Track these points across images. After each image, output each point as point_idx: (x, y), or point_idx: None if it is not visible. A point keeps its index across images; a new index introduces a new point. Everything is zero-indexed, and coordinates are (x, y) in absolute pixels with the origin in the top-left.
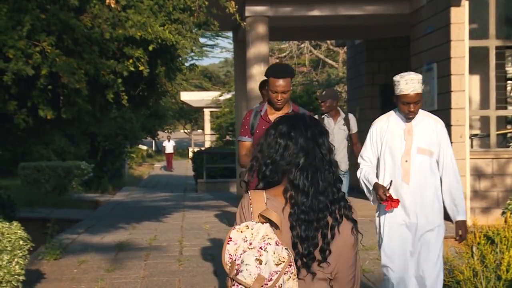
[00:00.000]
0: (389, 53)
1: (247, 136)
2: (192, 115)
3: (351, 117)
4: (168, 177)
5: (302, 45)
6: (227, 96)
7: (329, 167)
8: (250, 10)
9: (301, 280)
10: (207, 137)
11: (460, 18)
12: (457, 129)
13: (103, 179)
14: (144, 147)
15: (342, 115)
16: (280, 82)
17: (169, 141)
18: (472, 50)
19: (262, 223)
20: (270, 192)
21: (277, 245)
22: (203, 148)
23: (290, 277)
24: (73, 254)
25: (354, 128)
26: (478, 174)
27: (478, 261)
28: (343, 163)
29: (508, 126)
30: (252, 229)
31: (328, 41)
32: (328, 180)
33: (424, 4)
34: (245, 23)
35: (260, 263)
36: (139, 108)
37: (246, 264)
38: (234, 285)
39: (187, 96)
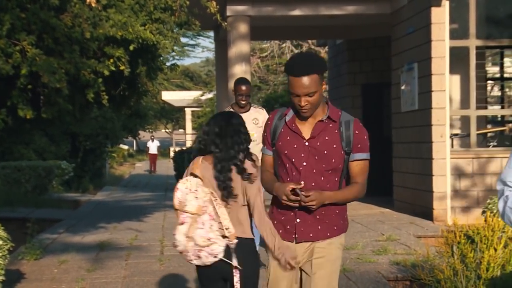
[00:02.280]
0: (370, 53)
1: (266, 147)
2: (174, 115)
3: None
4: (149, 177)
5: (284, 45)
6: (209, 95)
7: (237, 136)
8: (231, 9)
9: (231, 208)
10: (189, 137)
11: (440, 18)
12: (437, 129)
13: (84, 178)
14: (125, 147)
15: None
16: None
17: (152, 141)
18: (452, 50)
19: (194, 177)
20: (205, 158)
21: (203, 187)
22: (184, 148)
23: (219, 206)
24: (54, 254)
25: None
26: (458, 173)
27: (458, 260)
28: None
29: (488, 126)
30: (189, 181)
31: (310, 41)
32: (237, 141)
33: (405, 4)
34: (226, 23)
35: (197, 199)
36: (120, 107)
37: (190, 201)
38: (182, 214)
39: (168, 96)
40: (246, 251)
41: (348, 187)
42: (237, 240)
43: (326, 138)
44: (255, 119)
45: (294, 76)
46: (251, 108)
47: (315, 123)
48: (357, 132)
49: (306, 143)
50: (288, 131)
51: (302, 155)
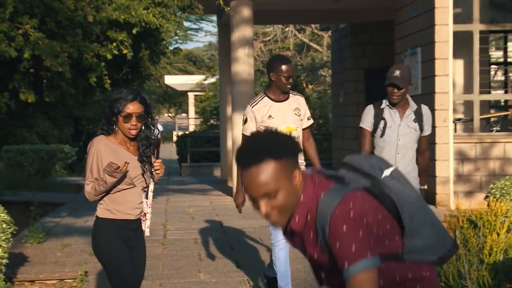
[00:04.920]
0: (374, 37)
1: None
2: (176, 99)
3: (426, 110)
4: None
5: (287, 29)
6: (212, 80)
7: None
8: None
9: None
10: (191, 121)
11: (444, 2)
12: (440, 114)
13: None
14: None
15: (413, 106)
16: None
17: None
18: (456, 34)
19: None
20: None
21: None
22: (187, 132)
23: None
24: (57, 238)
25: (428, 128)
26: (461, 158)
27: (461, 245)
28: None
29: (492, 111)
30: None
31: (313, 25)
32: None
33: None
34: (228, 8)
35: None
36: None
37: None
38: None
39: (171, 80)
40: None
41: None
42: None
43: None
44: (296, 110)
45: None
46: (290, 95)
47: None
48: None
49: None
50: None
51: None
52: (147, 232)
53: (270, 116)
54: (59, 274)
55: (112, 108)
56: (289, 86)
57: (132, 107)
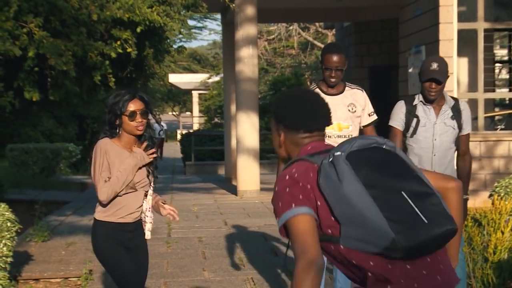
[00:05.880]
0: (378, 35)
1: None
2: (181, 98)
3: (464, 106)
4: (157, 159)
5: (291, 27)
6: (216, 78)
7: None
8: None
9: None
10: (196, 120)
11: (448, 1)
12: None
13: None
14: None
15: (450, 101)
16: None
17: (158, 123)
18: (460, 32)
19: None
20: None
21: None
22: (191, 131)
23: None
24: (61, 236)
25: (468, 126)
26: None
27: (465, 243)
28: None
29: (496, 109)
30: None
31: (317, 23)
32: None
33: None
34: (233, 5)
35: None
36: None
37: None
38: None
39: (175, 78)
40: None
41: None
42: None
43: None
44: (351, 105)
45: None
46: (346, 88)
47: None
48: None
49: None
50: None
51: None
52: (147, 235)
53: None
54: (63, 273)
55: (113, 111)
56: (333, 80)
57: (134, 105)
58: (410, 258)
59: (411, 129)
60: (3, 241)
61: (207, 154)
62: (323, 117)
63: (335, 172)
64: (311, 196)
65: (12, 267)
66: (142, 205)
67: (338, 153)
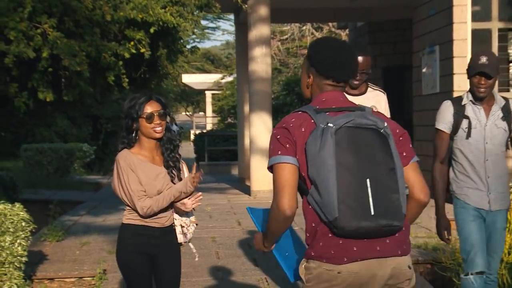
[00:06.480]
0: (392, 35)
1: None
2: (194, 98)
3: None
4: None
5: (304, 28)
6: (229, 78)
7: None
8: None
9: None
10: (209, 120)
11: (462, 0)
12: None
13: (105, 161)
14: None
15: (500, 101)
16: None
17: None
18: (474, 32)
19: None
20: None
21: None
22: (204, 131)
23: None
24: (76, 236)
25: None
26: None
27: None
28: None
29: None
30: None
31: (330, 24)
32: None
33: None
34: (246, 6)
35: None
36: (141, 90)
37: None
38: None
39: (188, 79)
40: None
41: None
42: None
43: None
44: (373, 107)
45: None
46: (368, 89)
47: None
48: None
49: None
50: None
51: None
52: (180, 239)
53: None
54: (78, 272)
55: (130, 115)
56: (356, 83)
57: (151, 107)
58: (349, 238)
59: (462, 132)
60: (18, 241)
61: (221, 154)
62: (352, 69)
63: (320, 140)
64: (294, 148)
65: (27, 267)
66: (170, 211)
67: (331, 125)
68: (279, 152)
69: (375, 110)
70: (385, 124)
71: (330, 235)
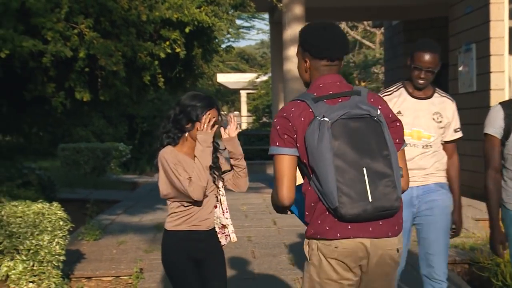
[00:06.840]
0: (427, 33)
1: None
2: (229, 97)
3: None
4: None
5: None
6: (264, 78)
7: None
8: None
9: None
10: (244, 119)
11: None
12: None
13: (141, 160)
14: None
15: None
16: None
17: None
18: None
19: None
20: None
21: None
22: (240, 130)
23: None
24: (112, 235)
25: None
26: None
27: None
28: None
29: None
30: None
31: (365, 22)
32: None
33: None
34: (281, 4)
35: None
36: (176, 90)
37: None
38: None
39: (223, 78)
40: None
41: None
42: None
43: None
44: (437, 114)
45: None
46: (435, 94)
47: None
48: None
49: None
50: None
51: None
52: (233, 238)
53: (399, 112)
54: (115, 271)
55: (188, 114)
56: (421, 82)
57: (211, 114)
58: (349, 222)
59: None
60: (56, 240)
61: (256, 154)
62: (344, 45)
63: (318, 133)
64: (294, 137)
65: (64, 266)
66: (214, 211)
67: (327, 119)
68: (277, 144)
69: (438, 118)
70: (378, 112)
71: (327, 213)
